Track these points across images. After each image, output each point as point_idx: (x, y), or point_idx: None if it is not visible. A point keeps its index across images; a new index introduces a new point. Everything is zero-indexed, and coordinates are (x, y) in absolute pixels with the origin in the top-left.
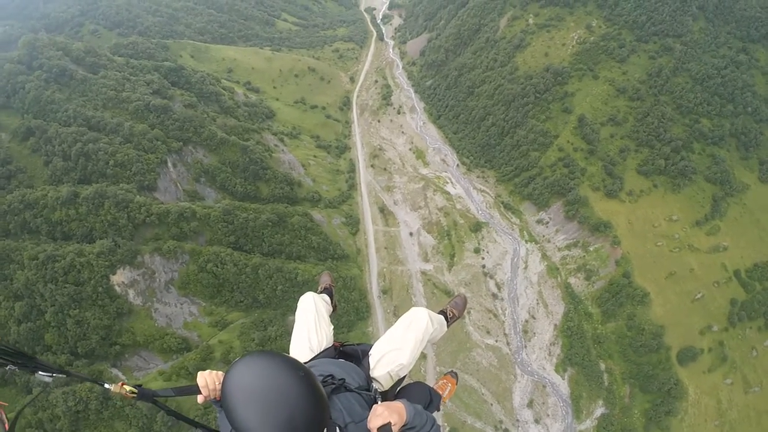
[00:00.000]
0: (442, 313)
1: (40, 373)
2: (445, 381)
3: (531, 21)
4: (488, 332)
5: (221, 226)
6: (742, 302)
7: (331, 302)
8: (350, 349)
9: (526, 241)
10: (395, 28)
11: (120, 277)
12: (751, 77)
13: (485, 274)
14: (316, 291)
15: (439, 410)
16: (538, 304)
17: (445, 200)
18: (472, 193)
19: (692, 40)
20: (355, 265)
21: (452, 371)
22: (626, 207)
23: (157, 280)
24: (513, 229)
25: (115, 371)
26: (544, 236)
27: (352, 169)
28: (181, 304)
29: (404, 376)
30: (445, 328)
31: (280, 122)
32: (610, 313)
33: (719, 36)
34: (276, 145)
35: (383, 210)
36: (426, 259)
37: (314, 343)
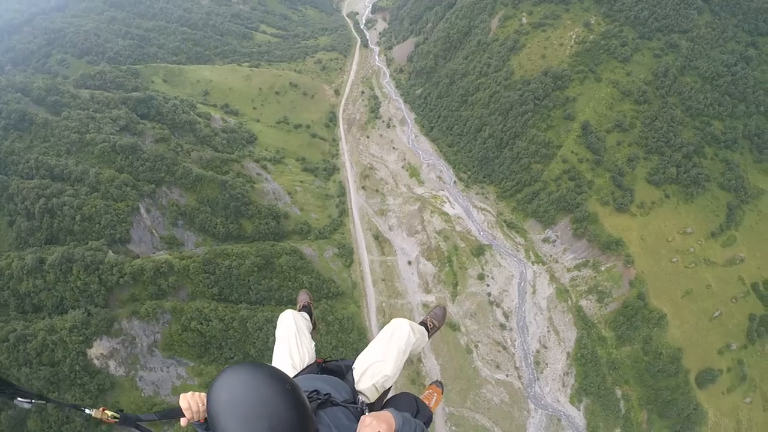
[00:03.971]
0: (423, 324)
1: (19, 399)
2: (431, 391)
3: (524, 20)
4: (498, 367)
5: (202, 277)
6: (760, 317)
7: (311, 319)
8: (333, 365)
9: (533, 263)
10: (380, 33)
11: (97, 350)
12: (762, 73)
13: (491, 303)
14: (295, 308)
15: (430, 420)
16: (549, 331)
17: (444, 222)
18: (472, 213)
19: (699, 36)
20: (351, 301)
21: (437, 381)
22: (638, 221)
23: (139, 345)
24: (518, 250)
25: None
26: (551, 256)
27: (342, 192)
28: (168, 367)
29: (390, 388)
30: (427, 339)
31: (263, 146)
32: (624, 337)
33: (726, 30)
34: (259, 174)
35: (378, 237)
36: (427, 290)
37: (296, 359)
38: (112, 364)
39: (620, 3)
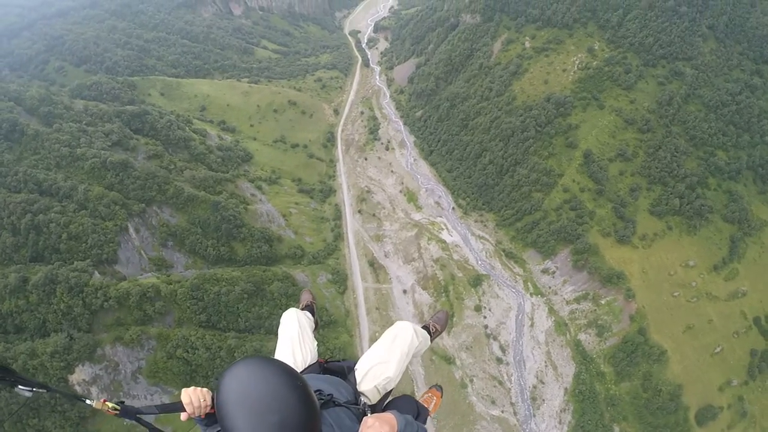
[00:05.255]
0: (425, 328)
1: (20, 387)
2: (430, 395)
3: (527, 44)
4: (493, 402)
5: (190, 303)
6: (762, 352)
7: (313, 318)
8: (335, 366)
9: (531, 295)
10: (381, 53)
11: (79, 375)
12: (767, 102)
13: (488, 336)
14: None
15: (425, 423)
16: (546, 366)
17: (441, 250)
18: (470, 241)
19: (703, 63)
20: (344, 330)
21: (437, 385)
22: (639, 254)
23: (122, 371)
24: (516, 281)
25: None
26: (550, 288)
27: (338, 215)
28: (152, 395)
29: (391, 390)
30: (429, 343)
31: (258, 165)
32: (624, 372)
33: (731, 57)
34: (253, 195)
35: (373, 264)
36: (422, 321)
37: (299, 358)
38: (94, 390)
39: (624, 29)
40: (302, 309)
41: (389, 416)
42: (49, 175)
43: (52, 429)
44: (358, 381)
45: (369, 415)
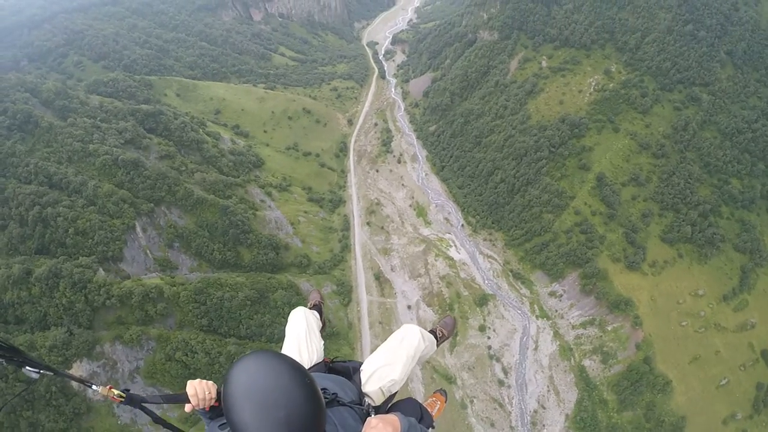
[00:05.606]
0: (432, 332)
1: (27, 368)
2: (434, 399)
3: (544, 64)
4: (492, 425)
5: (192, 307)
6: None
7: (321, 318)
8: (340, 366)
9: (537, 317)
10: (398, 65)
11: (77, 371)
12: None
13: (491, 357)
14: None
15: (433, 427)
16: (548, 391)
17: (448, 267)
18: (477, 259)
19: (720, 89)
20: (345, 342)
21: (441, 389)
22: (649, 281)
23: (120, 370)
24: (523, 303)
25: None
26: (557, 311)
27: (347, 226)
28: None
29: (395, 392)
30: (435, 347)
31: (270, 172)
32: (627, 401)
33: (748, 84)
34: (262, 201)
35: (379, 277)
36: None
37: (305, 357)
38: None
39: (642, 52)
40: (310, 308)
41: (393, 418)
42: (60, 168)
43: (45, 423)
44: (363, 382)
45: (373, 416)
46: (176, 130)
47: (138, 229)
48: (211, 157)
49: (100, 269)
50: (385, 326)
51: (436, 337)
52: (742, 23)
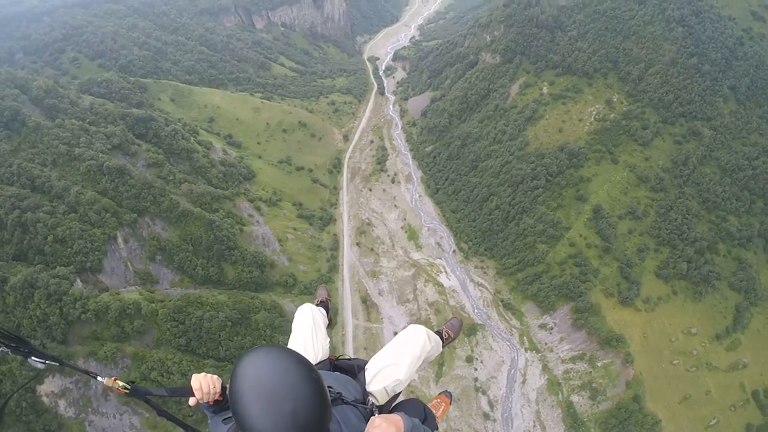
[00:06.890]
0: (438, 333)
1: (33, 358)
2: (439, 400)
3: (545, 90)
4: None
5: (170, 325)
6: (758, 427)
7: (327, 315)
8: (345, 364)
9: (526, 350)
10: (398, 82)
11: (48, 387)
12: None
13: (477, 389)
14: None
15: (437, 428)
16: (534, 426)
17: (438, 294)
18: (468, 287)
19: (722, 125)
20: None
21: (446, 391)
22: (642, 317)
23: (93, 387)
24: (512, 334)
25: None
26: (546, 344)
27: (336, 245)
28: (121, 415)
29: (400, 392)
30: (441, 348)
31: (260, 185)
32: None
33: (750, 120)
34: (250, 216)
35: (366, 301)
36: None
37: (310, 354)
38: (62, 404)
39: (645, 83)
40: (317, 305)
41: (396, 417)
42: (44, 171)
43: None
44: (367, 381)
45: (376, 415)
46: (166, 138)
47: (119, 239)
48: (200, 167)
49: (78, 280)
50: (370, 352)
51: (442, 339)
52: (747, 58)
